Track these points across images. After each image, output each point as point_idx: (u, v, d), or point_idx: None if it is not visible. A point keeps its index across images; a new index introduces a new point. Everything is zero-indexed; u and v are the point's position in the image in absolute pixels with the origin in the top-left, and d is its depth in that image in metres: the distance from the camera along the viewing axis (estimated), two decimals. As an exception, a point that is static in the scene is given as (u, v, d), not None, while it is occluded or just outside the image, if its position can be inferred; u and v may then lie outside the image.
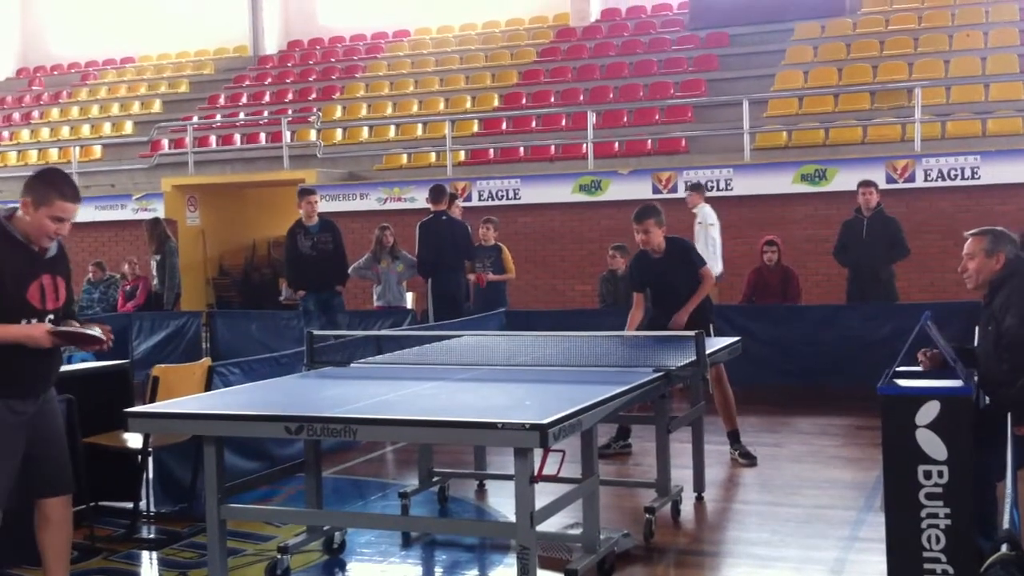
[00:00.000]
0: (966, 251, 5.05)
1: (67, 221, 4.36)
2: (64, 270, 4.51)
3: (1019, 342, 4.68)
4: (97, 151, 20.54)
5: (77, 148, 19.74)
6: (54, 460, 4.46)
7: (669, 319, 7.33)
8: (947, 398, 4.33)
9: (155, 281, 13.22)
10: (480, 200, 14.68)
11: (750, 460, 7.47)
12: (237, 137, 19.62)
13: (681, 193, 13.95)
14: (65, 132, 21.81)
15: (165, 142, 19.80)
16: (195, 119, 19.98)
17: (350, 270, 11.55)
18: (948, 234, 11.96)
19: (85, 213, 17.64)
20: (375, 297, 12.15)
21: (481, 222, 11.89)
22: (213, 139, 19.77)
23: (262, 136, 19.39)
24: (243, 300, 17.73)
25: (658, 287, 7.55)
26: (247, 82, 22.20)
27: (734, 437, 7.61)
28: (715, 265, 11.47)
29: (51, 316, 4.39)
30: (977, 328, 5.37)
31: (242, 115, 20.42)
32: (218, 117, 20.54)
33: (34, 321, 4.32)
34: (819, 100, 15.99)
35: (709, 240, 11.62)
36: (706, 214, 11.91)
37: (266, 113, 20.00)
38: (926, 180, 13.09)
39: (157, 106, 21.89)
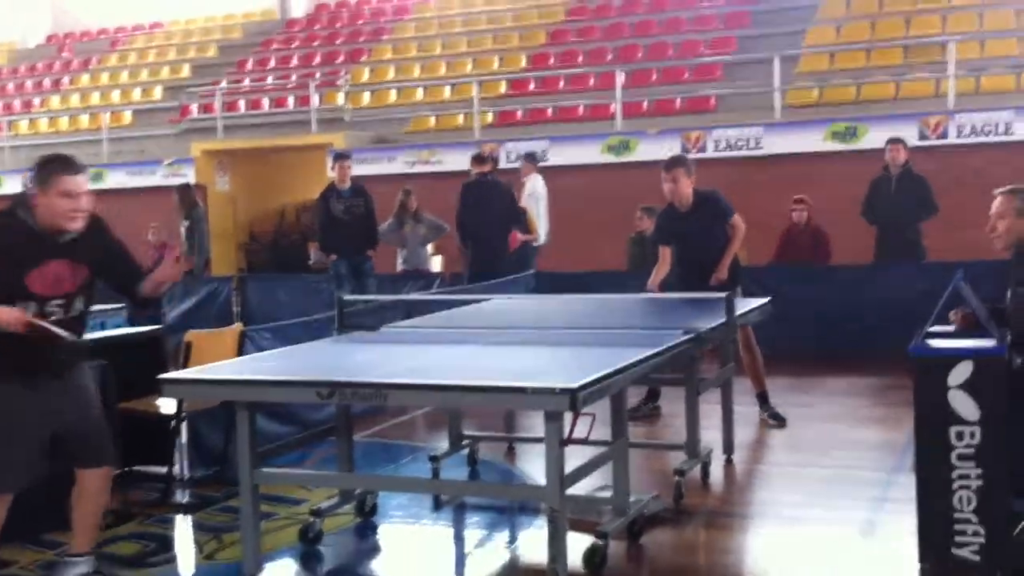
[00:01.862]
0: (995, 210, 4.94)
1: (79, 196, 4.30)
2: (86, 254, 4.42)
3: None
4: (127, 117, 20.63)
5: (107, 114, 19.83)
6: (86, 434, 4.50)
7: (697, 274, 7.26)
8: (980, 359, 4.29)
9: (184, 247, 13.27)
10: (508, 162, 14.62)
11: (780, 421, 7.46)
12: (265, 102, 19.64)
13: (711, 152, 13.89)
14: (95, 98, 21.91)
15: (194, 107, 19.87)
16: (224, 84, 20.00)
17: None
18: (982, 191, 11.75)
19: (115, 179, 17.98)
20: (400, 261, 12.17)
21: None
22: (242, 104, 19.80)
23: (290, 100, 19.39)
24: (273, 265, 17.83)
25: (686, 241, 7.45)
26: (275, 46, 22.18)
27: (763, 399, 7.59)
28: (541, 235, 12.09)
29: (58, 301, 4.34)
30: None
31: (270, 79, 20.43)
32: (246, 82, 20.56)
33: (31, 305, 4.26)
34: (851, 56, 15.79)
35: (540, 212, 11.99)
36: (536, 186, 12.16)
37: (294, 77, 19.99)
38: (959, 136, 12.93)
39: (186, 71, 21.93)
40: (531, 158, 12.62)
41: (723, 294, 5.86)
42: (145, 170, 17.88)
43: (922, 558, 4.36)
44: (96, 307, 8.91)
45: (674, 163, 7.38)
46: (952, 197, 11.48)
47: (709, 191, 7.56)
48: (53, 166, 4.32)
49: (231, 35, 23.58)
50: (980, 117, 12.87)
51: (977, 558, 4.22)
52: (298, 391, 4.75)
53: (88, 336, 4.81)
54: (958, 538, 4.25)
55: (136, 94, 21.58)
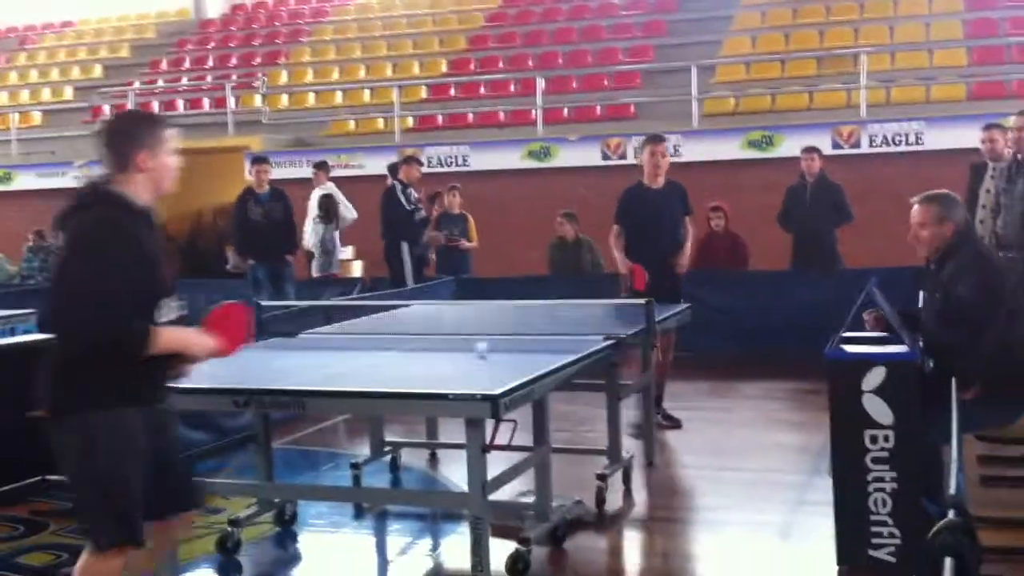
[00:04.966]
0: (916, 219, 4.88)
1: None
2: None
3: (970, 310, 4.65)
4: (37, 118, 20.12)
5: (16, 114, 19.30)
6: (179, 471, 3.76)
7: (647, 256, 7.26)
8: (893, 363, 4.38)
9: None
10: (429, 167, 14.55)
11: (673, 422, 7.50)
12: (180, 103, 19.30)
13: (631, 159, 13.99)
14: (3, 98, 21.33)
15: (106, 108, 19.41)
16: (137, 85, 19.62)
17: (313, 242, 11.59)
18: (893, 199, 12.03)
19: (25, 180, 17.53)
20: (315, 267, 12.08)
21: (447, 189, 11.84)
22: (155, 105, 19.40)
23: (206, 102, 19.08)
24: (189, 269, 17.51)
25: (646, 218, 7.42)
26: (190, 46, 21.82)
27: (658, 401, 7.62)
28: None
29: (173, 299, 3.63)
30: (922, 293, 5.41)
31: (185, 80, 20.10)
32: (160, 83, 20.20)
33: (161, 304, 3.52)
34: (766, 66, 16.04)
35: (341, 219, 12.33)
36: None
37: (209, 78, 19.69)
38: (871, 146, 13.21)
39: (98, 71, 21.47)
40: (322, 166, 12.92)
41: (642, 300, 5.91)
42: (56, 171, 17.45)
43: (840, 560, 4.44)
44: (6, 312, 8.71)
45: (661, 139, 7.63)
46: (866, 205, 11.71)
47: (678, 182, 7.69)
48: (160, 120, 3.63)
49: (144, 35, 23.12)
50: (891, 127, 13.17)
51: (893, 560, 4.31)
52: (214, 399, 4.68)
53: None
54: (874, 540, 4.34)
55: (46, 94, 21.07)
